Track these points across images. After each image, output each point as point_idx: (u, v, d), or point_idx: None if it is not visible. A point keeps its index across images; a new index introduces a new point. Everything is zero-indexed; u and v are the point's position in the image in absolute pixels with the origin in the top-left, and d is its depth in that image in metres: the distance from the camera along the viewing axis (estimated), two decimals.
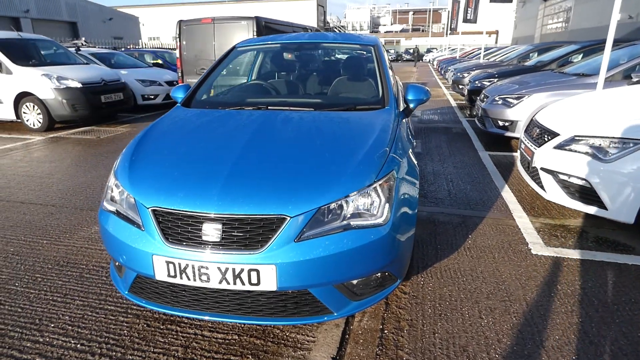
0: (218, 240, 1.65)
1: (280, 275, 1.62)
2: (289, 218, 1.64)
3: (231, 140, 2.05)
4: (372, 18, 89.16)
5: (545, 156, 3.22)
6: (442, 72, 17.27)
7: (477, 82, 8.13)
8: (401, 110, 2.66)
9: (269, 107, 2.53)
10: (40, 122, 7.02)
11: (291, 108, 2.50)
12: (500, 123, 5.57)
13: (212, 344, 1.93)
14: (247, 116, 2.37)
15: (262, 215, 1.64)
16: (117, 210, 1.87)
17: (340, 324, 2.10)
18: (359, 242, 1.70)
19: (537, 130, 3.53)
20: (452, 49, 28.83)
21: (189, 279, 1.68)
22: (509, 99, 5.49)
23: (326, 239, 1.66)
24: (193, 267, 1.65)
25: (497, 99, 5.67)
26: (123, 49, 15.97)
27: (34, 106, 6.97)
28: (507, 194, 3.90)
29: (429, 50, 48.32)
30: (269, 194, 1.69)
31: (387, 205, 1.81)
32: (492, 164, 4.88)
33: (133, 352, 1.88)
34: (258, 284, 1.64)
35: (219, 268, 1.63)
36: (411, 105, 2.77)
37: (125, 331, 2.02)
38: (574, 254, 2.75)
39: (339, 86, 2.92)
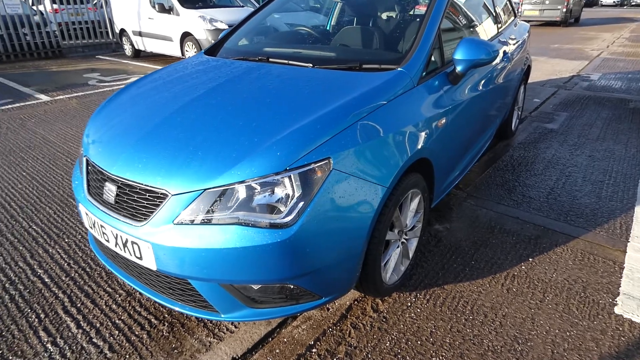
0: (113, 202, 1.54)
1: (156, 256, 1.42)
2: (170, 195, 1.39)
3: (180, 97, 1.80)
4: None
5: None
6: None
7: None
8: (429, 73, 1.92)
9: (269, 59, 2.17)
10: None
11: (290, 62, 2.08)
12: None
13: (143, 303, 1.92)
14: (227, 68, 2.04)
15: (148, 186, 1.43)
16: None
17: (273, 323, 1.80)
18: (248, 242, 1.33)
19: None
20: None
21: (98, 235, 1.64)
22: None
23: (209, 228, 1.35)
24: (97, 224, 1.60)
25: None
26: None
27: (192, 45, 7.99)
28: None
29: None
30: (161, 165, 1.45)
31: (300, 202, 1.36)
32: None
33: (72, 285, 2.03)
34: (141, 258, 1.48)
35: (112, 231, 1.53)
36: (458, 68, 1.98)
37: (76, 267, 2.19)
38: None
39: (365, 38, 2.27)
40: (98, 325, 1.80)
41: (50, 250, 2.29)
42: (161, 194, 1.41)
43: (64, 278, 2.07)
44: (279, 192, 1.36)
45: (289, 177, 1.36)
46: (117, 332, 1.77)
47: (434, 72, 1.99)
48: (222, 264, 1.36)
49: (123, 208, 1.50)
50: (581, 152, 3.57)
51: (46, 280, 2.07)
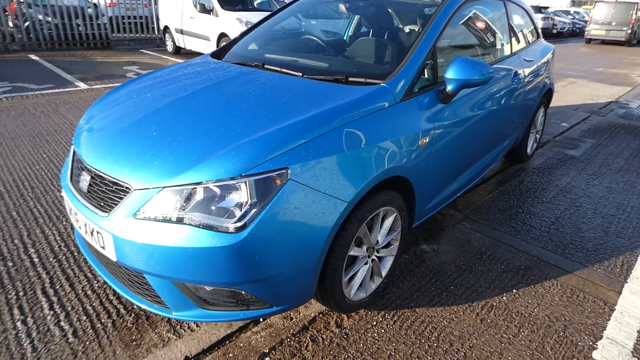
0: (85, 191, 1.61)
1: (116, 247, 1.47)
2: (132, 190, 1.44)
3: (167, 96, 1.85)
4: None
5: None
6: None
7: None
8: (418, 90, 1.88)
9: (264, 66, 2.19)
10: None
11: (282, 70, 2.09)
12: None
13: (117, 292, 1.97)
14: (221, 72, 2.06)
15: (115, 179, 1.49)
16: None
17: (234, 326, 1.82)
18: (199, 243, 1.35)
19: None
20: None
21: (73, 221, 1.72)
22: None
23: (164, 226, 1.39)
24: (72, 211, 1.68)
25: None
26: None
27: None
28: None
29: None
30: (129, 159, 1.50)
31: (253, 209, 1.36)
32: None
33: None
34: (104, 248, 1.54)
35: (82, 219, 1.60)
36: (449, 88, 1.92)
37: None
38: None
39: (361, 49, 2.23)
40: (69, 309, 1.88)
41: (47, 232, 2.42)
42: (125, 187, 1.46)
43: (51, 259, 2.19)
44: (234, 197, 1.38)
45: (244, 183, 1.37)
46: (85, 317, 1.84)
47: (424, 89, 1.95)
48: (174, 262, 1.39)
49: (93, 198, 1.57)
50: (599, 183, 3.36)
51: (35, 259, 2.18)
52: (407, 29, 2.33)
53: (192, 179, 1.38)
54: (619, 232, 2.65)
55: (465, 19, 2.40)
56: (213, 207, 1.38)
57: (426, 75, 2.00)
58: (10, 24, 8.95)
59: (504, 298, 2.02)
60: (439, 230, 2.60)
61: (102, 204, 1.53)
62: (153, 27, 11.29)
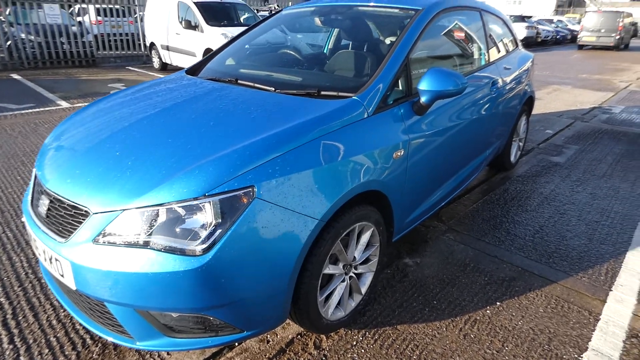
0: (44, 216, 1.54)
1: (75, 275, 1.40)
2: (91, 213, 1.37)
3: (135, 114, 1.80)
4: None
5: None
6: None
7: None
8: (392, 102, 1.85)
9: (238, 81, 2.15)
10: None
11: (255, 85, 2.05)
12: None
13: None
14: (192, 88, 2.02)
15: (74, 202, 1.42)
16: None
17: (207, 352, 1.73)
18: (161, 268, 1.29)
19: None
20: None
21: (34, 247, 1.65)
22: None
23: (125, 250, 1.32)
24: (32, 236, 1.60)
25: None
26: None
27: None
28: (637, 261, 2.40)
29: None
30: (89, 182, 1.44)
31: (218, 230, 1.30)
32: None
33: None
34: (63, 276, 1.47)
35: (41, 246, 1.53)
36: (422, 99, 1.89)
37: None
38: None
39: (334, 63, 2.20)
40: (31, 341, 1.78)
41: (14, 258, 2.33)
42: (84, 211, 1.39)
43: (16, 288, 2.09)
44: (198, 217, 1.32)
45: (208, 203, 1.31)
46: (47, 350, 1.73)
47: (398, 101, 1.92)
48: (136, 289, 1.32)
49: (52, 223, 1.50)
50: (583, 189, 3.35)
51: None
52: (381, 41, 2.31)
53: (154, 200, 1.32)
54: (603, 238, 2.62)
55: (440, 29, 2.40)
56: (176, 229, 1.32)
57: (400, 87, 1.98)
58: None
59: (488, 311, 1.97)
60: (422, 243, 2.55)
61: (61, 229, 1.46)
62: (139, 44, 11.28)
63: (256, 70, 2.31)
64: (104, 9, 10.64)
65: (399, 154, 1.83)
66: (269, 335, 1.82)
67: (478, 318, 1.93)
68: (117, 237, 1.34)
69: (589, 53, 17.53)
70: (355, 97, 1.76)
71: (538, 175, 3.65)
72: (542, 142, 4.63)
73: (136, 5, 11.14)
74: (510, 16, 17.55)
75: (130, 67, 10.16)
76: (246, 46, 2.69)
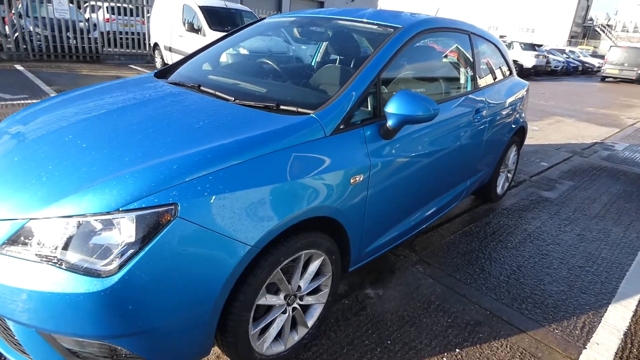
0: None
1: None
2: None
3: (77, 114, 1.69)
4: None
5: None
6: None
7: None
8: (355, 123, 1.73)
9: (200, 87, 2.04)
10: None
11: (216, 93, 1.94)
12: None
13: None
14: (150, 91, 1.91)
15: None
16: None
17: None
18: (60, 287, 1.15)
19: None
20: None
21: None
22: None
23: (25, 264, 1.19)
24: None
25: None
26: None
27: None
28: (618, 317, 2.22)
29: None
30: (2, 185, 1.32)
31: (129, 250, 1.17)
32: None
33: None
34: None
35: None
36: (389, 123, 1.76)
37: None
38: None
39: (304, 76, 2.08)
40: None
41: None
42: None
43: None
44: (108, 234, 1.19)
45: (122, 218, 1.18)
46: None
47: (364, 122, 1.79)
48: (35, 309, 1.19)
49: None
50: (571, 229, 3.18)
51: None
52: (354, 57, 2.19)
53: (60, 211, 1.19)
54: (585, 287, 2.45)
55: (421, 51, 2.28)
56: (83, 246, 1.18)
57: (369, 108, 1.86)
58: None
59: (444, 359, 1.80)
60: (388, 273, 2.39)
61: None
62: (145, 44, 11.33)
63: (225, 78, 2.20)
64: (116, 7, 10.72)
65: (357, 179, 1.69)
66: None
67: None
68: (19, 248, 1.21)
69: (602, 85, 17.52)
70: (313, 115, 1.64)
71: (525, 209, 3.49)
72: (535, 174, 4.47)
73: (149, 6, 11.23)
74: (521, 44, 17.50)
75: (132, 66, 10.18)
76: (223, 52, 2.59)
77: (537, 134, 6.52)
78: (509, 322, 2.07)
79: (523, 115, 3.43)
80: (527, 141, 5.96)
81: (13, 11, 8.96)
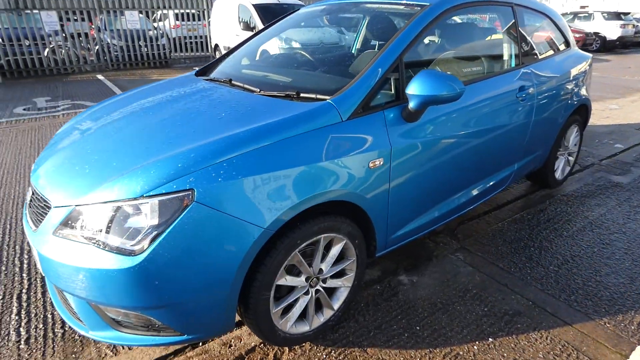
0: (29, 206, 1.66)
1: (41, 262, 1.49)
2: (52, 207, 1.45)
3: (122, 113, 1.89)
4: None
5: None
6: None
7: None
8: (375, 107, 1.72)
9: (232, 81, 2.15)
10: None
11: (245, 86, 2.03)
12: None
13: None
14: (185, 88, 2.07)
15: (42, 195, 1.52)
16: None
17: (171, 349, 1.75)
18: (98, 264, 1.31)
19: None
20: None
21: None
22: None
23: (72, 244, 1.37)
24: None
25: None
26: None
27: None
28: None
29: None
30: (55, 177, 1.53)
31: (154, 232, 1.30)
32: None
33: None
34: (37, 261, 1.57)
35: (26, 231, 1.66)
36: (411, 105, 1.72)
37: None
38: None
39: (328, 63, 2.07)
40: (33, 315, 1.95)
41: None
42: (48, 204, 1.48)
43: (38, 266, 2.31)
44: (135, 218, 1.33)
45: (146, 204, 1.32)
46: (42, 325, 1.89)
47: (385, 105, 1.77)
48: (82, 283, 1.37)
49: (32, 212, 1.61)
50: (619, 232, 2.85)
51: (24, 265, 2.32)
52: (379, 40, 2.16)
53: (96, 198, 1.36)
54: None
55: (453, 28, 2.18)
56: (116, 228, 1.34)
57: (392, 91, 1.83)
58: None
59: (475, 347, 1.74)
60: (425, 260, 2.34)
61: (35, 219, 1.57)
62: (208, 46, 12.00)
63: (256, 71, 2.30)
64: (182, 14, 11.48)
65: (377, 163, 1.69)
66: (232, 340, 1.80)
67: (461, 353, 1.72)
68: (69, 231, 1.40)
69: None
70: (329, 100, 1.66)
71: (589, 195, 3.18)
72: (606, 157, 4.04)
73: (210, 9, 11.86)
74: (603, 13, 15.66)
75: (196, 68, 10.84)
76: (259, 46, 2.70)
77: (615, 113, 5.85)
78: (553, 313, 1.94)
79: (585, 91, 3.11)
80: (602, 121, 5.38)
81: (93, 26, 9.99)
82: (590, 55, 3.31)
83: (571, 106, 2.95)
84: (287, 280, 1.59)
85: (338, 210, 1.71)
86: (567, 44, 3.09)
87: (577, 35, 13.69)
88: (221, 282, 1.39)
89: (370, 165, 1.67)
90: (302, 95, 1.78)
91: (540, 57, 2.71)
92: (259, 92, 1.91)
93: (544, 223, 2.77)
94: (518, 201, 3.11)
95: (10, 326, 1.88)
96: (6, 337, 1.82)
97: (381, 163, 1.71)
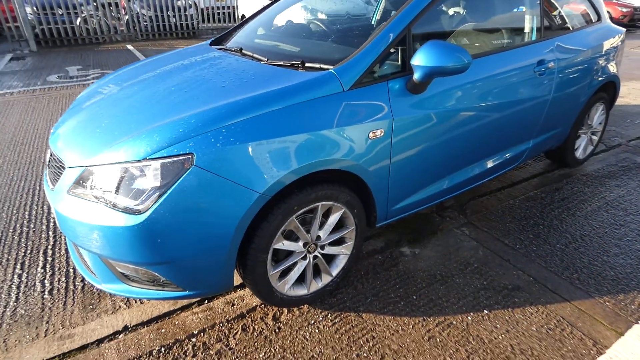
0: (48, 166, 1.79)
1: (58, 218, 1.61)
2: (66, 167, 1.56)
3: (136, 78, 1.96)
4: None
5: None
6: None
7: None
8: (380, 77, 1.71)
9: (242, 50, 2.17)
10: None
11: (254, 55, 2.05)
12: None
13: None
14: (196, 57, 2.12)
15: (58, 156, 1.63)
16: None
17: (179, 304, 1.87)
18: (106, 222, 1.41)
19: None
20: None
21: None
22: None
23: (83, 203, 1.48)
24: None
25: None
26: None
27: None
28: None
29: None
30: (70, 139, 1.63)
31: (156, 193, 1.38)
32: None
33: None
34: (55, 217, 1.70)
35: (45, 189, 1.79)
36: (415, 76, 1.70)
37: None
38: None
39: (337, 33, 2.04)
40: (57, 269, 2.12)
41: None
42: (63, 165, 1.59)
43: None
44: (139, 179, 1.41)
45: (149, 166, 1.40)
46: (64, 278, 2.06)
47: (390, 76, 1.76)
48: (93, 239, 1.49)
49: (51, 172, 1.74)
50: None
51: (51, 224, 2.50)
52: (389, 10, 2.11)
53: (105, 159, 1.45)
54: None
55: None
56: (122, 188, 1.43)
57: (398, 62, 1.81)
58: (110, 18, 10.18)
59: (469, 318, 1.78)
60: (430, 233, 2.36)
61: (52, 178, 1.69)
62: (235, 17, 11.94)
63: (267, 40, 2.31)
64: None
65: (377, 133, 1.70)
66: (236, 299, 1.91)
67: (454, 323, 1.76)
68: (81, 190, 1.50)
69: None
70: (331, 70, 1.67)
71: (610, 176, 3.07)
72: (635, 138, 3.85)
73: None
74: None
75: None
76: (274, 16, 2.70)
77: None
78: (553, 290, 1.93)
79: (613, 67, 2.95)
80: (636, 101, 5.08)
81: None
82: (623, 29, 3.11)
83: (597, 83, 2.81)
84: (284, 244, 1.66)
85: (338, 180, 1.75)
86: (598, 16, 2.91)
87: (624, 10, 12.73)
88: (219, 243, 1.47)
89: (371, 135, 1.69)
90: (307, 64, 1.80)
91: (565, 30, 2.58)
92: (266, 61, 1.93)
93: (557, 202, 2.71)
94: (534, 179, 3.05)
95: (36, 278, 2.06)
96: (32, 288, 2.00)
97: (382, 134, 1.72)
